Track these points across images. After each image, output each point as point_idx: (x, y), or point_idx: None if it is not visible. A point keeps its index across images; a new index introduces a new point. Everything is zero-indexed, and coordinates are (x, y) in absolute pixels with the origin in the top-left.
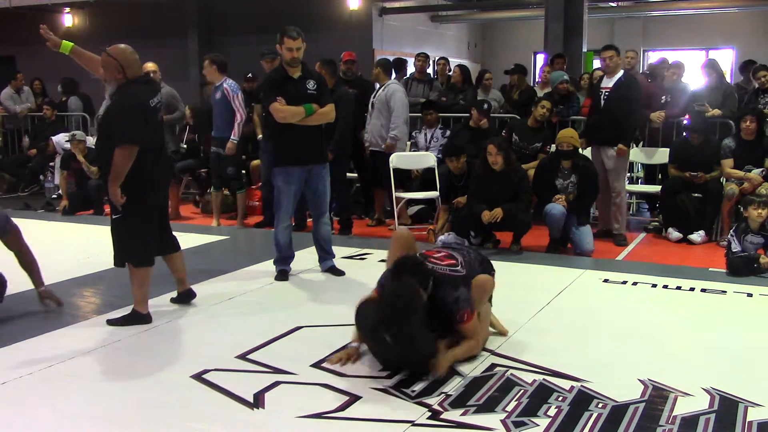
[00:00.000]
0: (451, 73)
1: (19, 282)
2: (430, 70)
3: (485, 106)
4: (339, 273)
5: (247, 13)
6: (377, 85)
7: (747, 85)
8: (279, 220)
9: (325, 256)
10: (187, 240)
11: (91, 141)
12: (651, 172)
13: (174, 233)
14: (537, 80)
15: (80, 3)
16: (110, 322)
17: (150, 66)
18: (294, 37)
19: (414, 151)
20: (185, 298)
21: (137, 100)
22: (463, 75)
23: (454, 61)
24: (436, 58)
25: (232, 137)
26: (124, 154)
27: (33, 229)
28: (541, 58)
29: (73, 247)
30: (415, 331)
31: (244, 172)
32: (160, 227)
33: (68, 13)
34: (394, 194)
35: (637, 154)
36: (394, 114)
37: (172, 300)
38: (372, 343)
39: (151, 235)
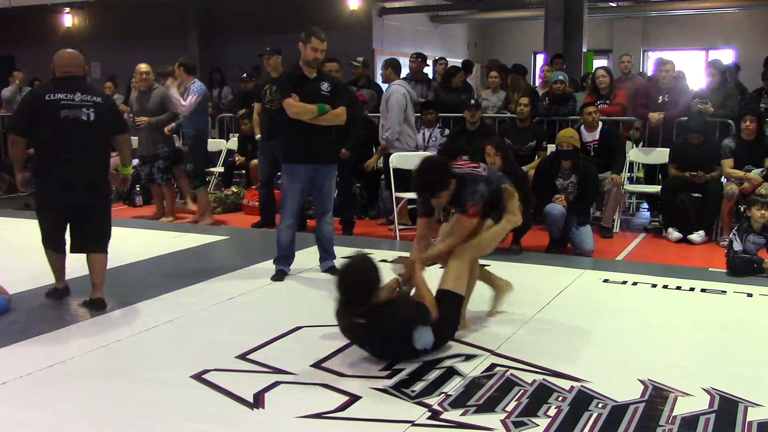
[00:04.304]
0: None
1: (19, 282)
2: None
3: (471, 101)
4: None
5: (247, 14)
6: (385, 86)
7: None
8: (282, 219)
9: (326, 256)
10: (186, 240)
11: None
12: (651, 172)
13: (173, 233)
14: (538, 80)
15: (80, 3)
16: None
17: (142, 67)
18: (322, 39)
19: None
20: (94, 305)
21: (32, 92)
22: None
23: (453, 62)
24: (436, 58)
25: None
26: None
27: (32, 230)
28: (541, 58)
29: None
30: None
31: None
32: (76, 228)
33: (68, 13)
34: (394, 194)
35: (636, 154)
36: (389, 115)
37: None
38: (351, 336)
39: (53, 230)
